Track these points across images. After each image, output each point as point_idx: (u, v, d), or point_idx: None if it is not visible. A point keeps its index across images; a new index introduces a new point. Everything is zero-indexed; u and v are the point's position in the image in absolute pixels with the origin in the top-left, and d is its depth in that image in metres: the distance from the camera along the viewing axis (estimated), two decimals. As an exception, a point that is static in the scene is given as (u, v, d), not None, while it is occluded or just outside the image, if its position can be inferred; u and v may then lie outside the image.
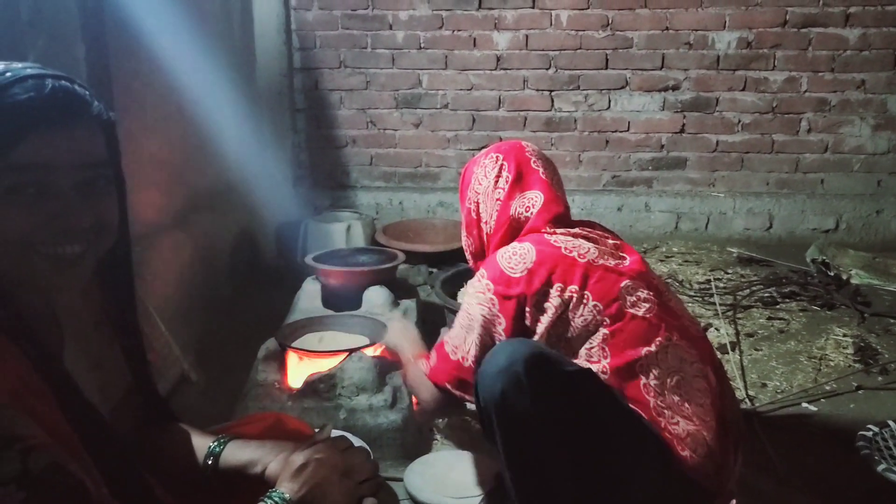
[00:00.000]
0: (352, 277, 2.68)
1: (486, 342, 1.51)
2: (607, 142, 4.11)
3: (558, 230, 1.58)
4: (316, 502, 1.00)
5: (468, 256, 1.79)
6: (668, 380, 1.45)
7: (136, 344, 1.10)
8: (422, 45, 4.05)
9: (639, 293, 1.50)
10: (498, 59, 4.04)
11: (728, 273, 3.56)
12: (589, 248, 1.52)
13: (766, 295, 3.26)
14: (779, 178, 4.09)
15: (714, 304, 3.10)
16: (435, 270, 3.25)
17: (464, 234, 1.77)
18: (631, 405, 1.42)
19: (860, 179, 4.05)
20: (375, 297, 2.61)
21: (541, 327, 1.49)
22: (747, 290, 3.31)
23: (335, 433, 1.19)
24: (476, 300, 1.53)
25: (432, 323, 2.86)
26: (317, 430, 1.18)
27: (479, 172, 1.68)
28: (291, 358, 2.16)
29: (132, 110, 2.38)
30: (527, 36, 3.99)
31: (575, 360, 1.47)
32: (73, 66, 1.92)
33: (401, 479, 1.86)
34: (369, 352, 2.16)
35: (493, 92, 4.09)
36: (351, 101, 4.16)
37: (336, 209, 3.97)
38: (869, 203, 3.98)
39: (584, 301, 1.47)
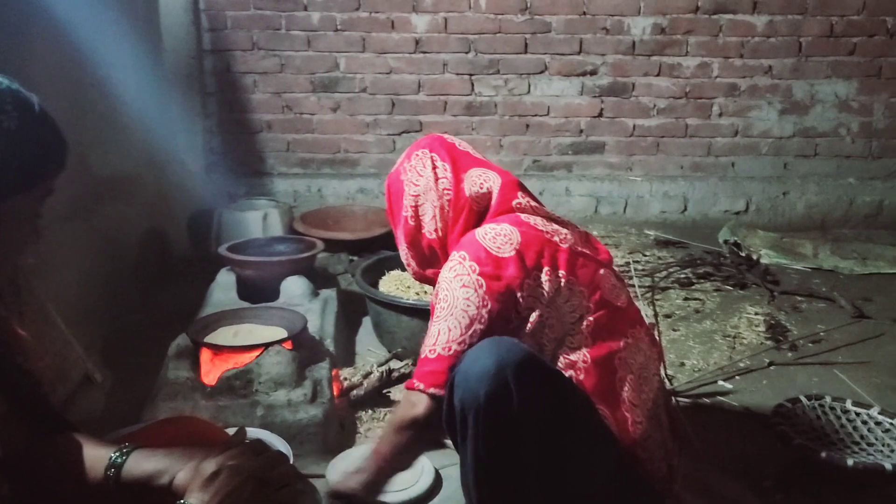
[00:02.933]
0: (269, 268, 2.59)
1: (477, 330, 1.36)
2: (528, 126, 4.12)
3: (532, 214, 1.49)
4: (228, 513, 0.93)
5: (411, 271, 1.65)
6: (637, 377, 1.44)
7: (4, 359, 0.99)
8: (338, 27, 3.94)
9: (613, 282, 1.49)
10: (417, 42, 3.97)
11: (646, 255, 3.63)
12: (567, 234, 1.48)
13: (683, 276, 3.34)
14: (692, 162, 4.20)
15: (633, 286, 3.15)
16: (355, 258, 3.18)
17: (403, 250, 1.62)
18: (601, 406, 1.38)
19: (768, 162, 4.20)
20: (294, 288, 2.53)
21: (534, 315, 1.39)
22: (664, 272, 3.38)
23: (252, 433, 1.13)
24: (459, 283, 1.37)
25: (353, 313, 2.80)
26: (231, 434, 1.10)
27: (411, 176, 1.56)
28: (205, 354, 2.06)
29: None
30: (446, 19, 3.94)
31: (558, 350, 1.41)
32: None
33: (323, 476, 1.80)
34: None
35: (413, 76, 4.02)
36: (265, 85, 4.01)
37: (252, 197, 3.83)
38: (776, 185, 4.14)
39: (572, 287, 1.41)
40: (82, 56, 2.62)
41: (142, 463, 1.03)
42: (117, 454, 1.03)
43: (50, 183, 0.91)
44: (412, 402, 1.38)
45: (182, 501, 0.94)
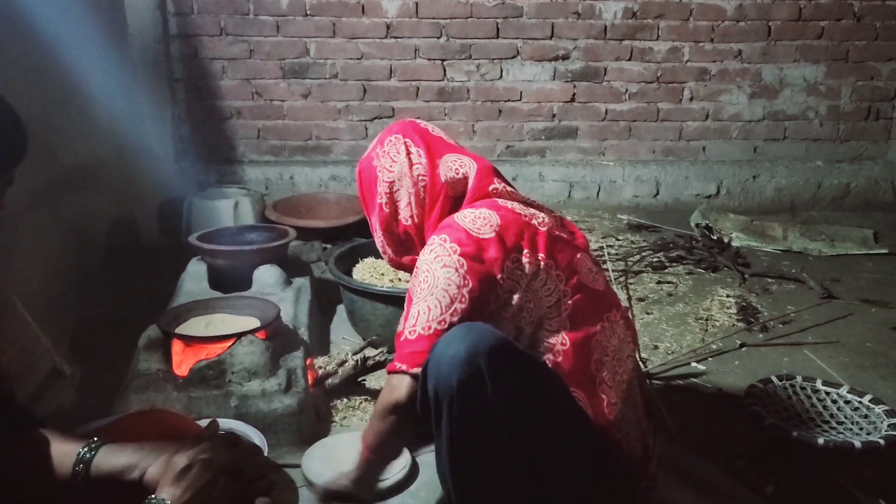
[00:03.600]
0: (240, 256, 2.56)
1: (457, 309, 1.33)
2: (500, 111, 4.10)
3: (508, 199, 1.48)
4: (201, 508, 0.92)
5: (387, 258, 1.63)
6: (612, 358, 1.45)
7: None
8: (308, 12, 3.88)
9: (590, 266, 1.49)
10: (388, 27, 3.93)
11: (619, 240, 3.65)
12: (544, 218, 1.47)
13: (655, 260, 3.37)
14: (664, 146, 4.22)
15: (607, 270, 3.17)
16: (329, 246, 3.16)
17: (379, 237, 1.59)
18: (577, 388, 1.38)
19: (738, 146, 4.24)
20: (267, 277, 2.50)
21: (514, 297, 1.38)
22: (637, 256, 3.40)
23: (225, 425, 1.11)
24: (440, 264, 1.36)
25: (327, 301, 2.78)
26: (203, 426, 1.09)
27: (384, 162, 1.54)
28: (176, 345, 2.03)
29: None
30: (417, 3, 3.90)
31: (537, 333, 1.40)
32: None
33: (298, 465, 1.79)
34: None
35: (384, 61, 3.98)
36: (234, 71, 3.95)
37: (222, 185, 3.77)
38: (746, 168, 4.18)
39: (550, 270, 1.40)
40: (44, 42, 2.55)
41: (111, 458, 1.01)
42: (86, 449, 1.01)
43: (10, 172, 0.88)
44: (393, 385, 1.36)
45: (154, 496, 0.92)
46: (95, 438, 1.04)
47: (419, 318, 1.35)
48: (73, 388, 2.15)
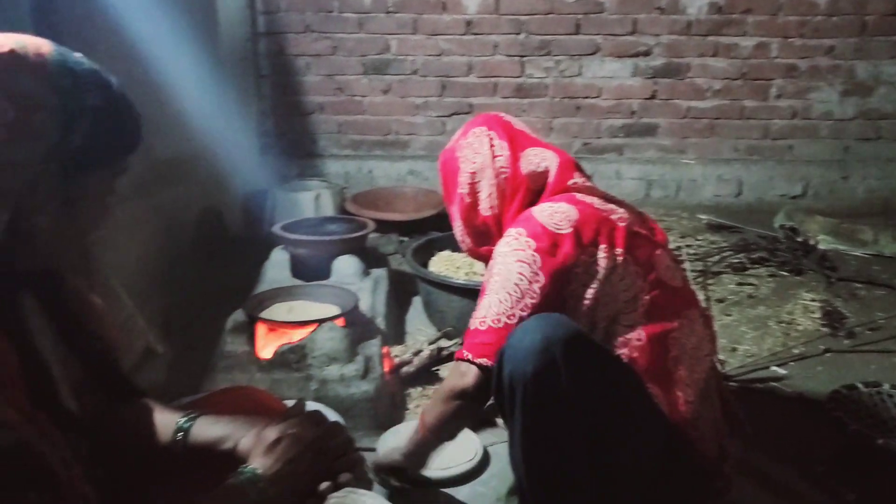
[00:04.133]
0: (321, 247, 2.64)
1: (528, 304, 1.36)
2: (578, 108, 4.08)
3: (588, 195, 1.49)
4: (289, 479, 0.97)
5: (465, 248, 1.65)
6: (690, 356, 1.43)
7: (80, 327, 1.04)
8: (390, 9, 3.95)
9: (668, 263, 1.48)
10: (468, 23, 3.96)
11: (698, 240, 3.57)
12: (623, 213, 1.47)
13: (736, 261, 3.29)
14: (748, 145, 4.11)
15: (685, 270, 3.11)
16: (406, 239, 3.22)
17: (458, 227, 1.62)
18: (653, 384, 1.38)
19: (828, 145, 4.08)
20: (345, 267, 2.57)
21: (589, 292, 1.39)
22: (717, 257, 3.33)
23: (310, 407, 1.15)
24: (514, 258, 1.37)
25: (404, 292, 2.84)
26: (290, 405, 1.14)
27: (467, 153, 1.56)
28: (260, 329, 2.12)
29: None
30: (497, 0, 3.92)
31: (611, 328, 1.41)
32: (16, 13, 1.81)
33: (374, 450, 1.84)
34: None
35: (464, 57, 4.01)
36: (318, 67, 4.06)
37: (304, 178, 3.89)
38: (836, 169, 4.02)
39: (628, 266, 1.40)
40: (141, 42, 2.68)
41: (207, 429, 1.07)
42: (185, 419, 1.08)
43: (126, 160, 0.95)
44: (461, 372, 1.39)
45: (245, 466, 0.98)
46: (192, 410, 1.12)
47: (490, 310, 1.38)
48: (164, 366, 2.27)
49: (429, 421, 1.49)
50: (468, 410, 1.45)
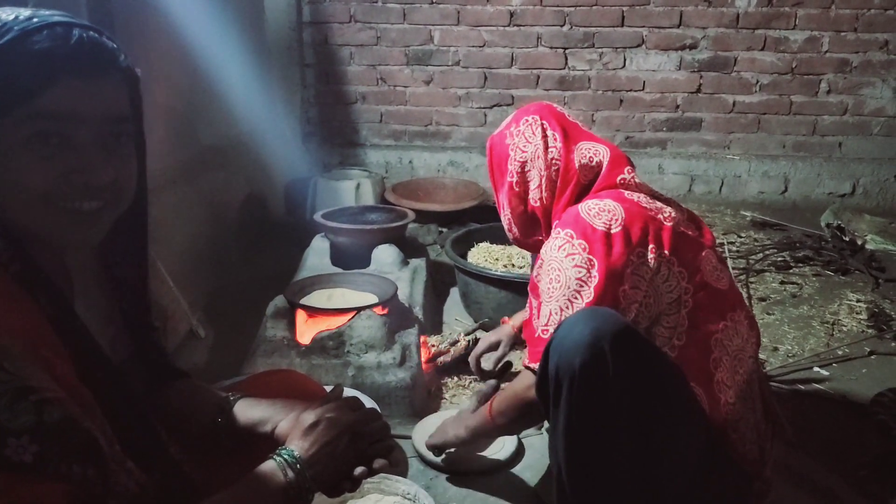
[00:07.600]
0: (361, 235, 2.66)
1: (588, 305, 1.35)
2: (621, 101, 4.04)
3: (635, 191, 1.48)
4: (326, 461, 0.99)
5: (511, 237, 1.65)
6: (733, 358, 1.41)
7: (141, 306, 1.07)
8: (433, 0, 3.95)
9: (714, 264, 1.46)
10: (511, 14, 3.94)
11: (741, 237, 3.51)
12: (670, 212, 1.45)
13: (780, 259, 3.22)
14: (796, 141, 4.02)
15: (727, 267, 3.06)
16: (445, 230, 3.22)
17: (506, 215, 1.61)
18: (694, 384, 1.37)
19: (879, 143, 3.97)
20: (384, 256, 2.59)
21: (639, 294, 1.37)
22: (760, 254, 3.27)
23: (347, 393, 1.17)
24: (571, 263, 1.36)
25: (441, 283, 2.85)
26: (329, 389, 1.16)
27: (518, 141, 1.54)
28: (300, 315, 2.15)
29: (136, 54, 2.32)
30: (541, -9, 3.89)
31: (653, 328, 1.40)
32: (73, 7, 1.86)
33: (409, 437, 1.86)
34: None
35: (506, 49, 4.00)
36: (361, 57, 4.08)
37: (345, 167, 3.93)
38: (887, 167, 3.91)
39: (672, 267, 1.39)
40: (190, 32, 2.73)
41: (248, 411, 1.10)
42: (225, 401, 1.11)
43: (31, 106, 0.84)
44: (529, 383, 1.41)
45: (283, 448, 1.00)
46: (233, 392, 1.14)
47: (551, 318, 1.38)
48: (206, 348, 2.32)
49: (496, 414, 1.53)
50: (535, 417, 1.51)
